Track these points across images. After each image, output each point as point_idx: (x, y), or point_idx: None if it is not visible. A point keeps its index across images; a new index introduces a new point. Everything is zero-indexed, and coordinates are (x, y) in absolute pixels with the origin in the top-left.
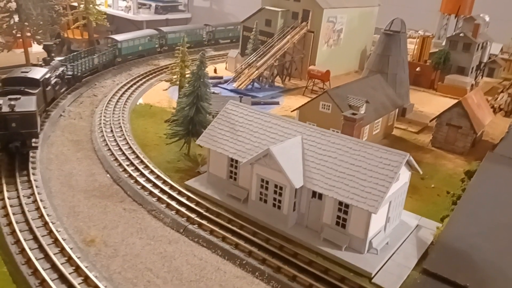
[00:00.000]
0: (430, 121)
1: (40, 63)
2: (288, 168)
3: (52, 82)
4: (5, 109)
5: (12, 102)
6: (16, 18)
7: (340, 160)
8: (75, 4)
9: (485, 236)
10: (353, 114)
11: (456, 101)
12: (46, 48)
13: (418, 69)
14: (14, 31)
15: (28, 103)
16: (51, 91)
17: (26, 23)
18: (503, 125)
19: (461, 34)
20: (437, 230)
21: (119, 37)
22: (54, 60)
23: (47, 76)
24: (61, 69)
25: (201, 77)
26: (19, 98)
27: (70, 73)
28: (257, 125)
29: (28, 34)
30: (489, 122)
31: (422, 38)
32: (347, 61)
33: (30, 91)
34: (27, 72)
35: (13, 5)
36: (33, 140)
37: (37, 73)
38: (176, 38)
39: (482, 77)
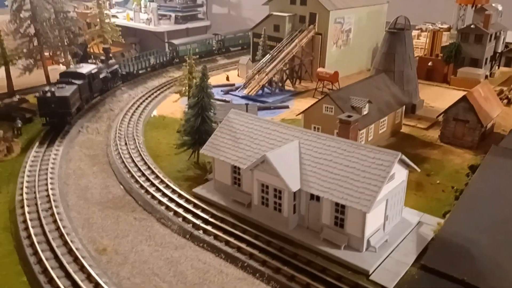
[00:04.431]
0: (437, 117)
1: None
2: (285, 173)
3: (101, 76)
4: (48, 94)
5: (54, 89)
6: (35, 41)
7: (335, 162)
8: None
9: (484, 230)
10: (348, 116)
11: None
12: (105, 50)
13: (430, 63)
14: (34, 55)
15: (67, 90)
16: (99, 84)
17: (44, 46)
18: None
19: (472, 26)
20: (437, 226)
21: (176, 41)
22: (111, 59)
23: (94, 71)
24: (115, 66)
25: (204, 88)
26: (64, 87)
27: (126, 70)
28: (257, 132)
29: (48, 56)
30: (498, 114)
31: (433, 32)
32: (359, 60)
33: (75, 82)
34: (78, 68)
35: (31, 30)
36: (68, 118)
37: (85, 69)
38: (232, 40)
39: (498, 68)
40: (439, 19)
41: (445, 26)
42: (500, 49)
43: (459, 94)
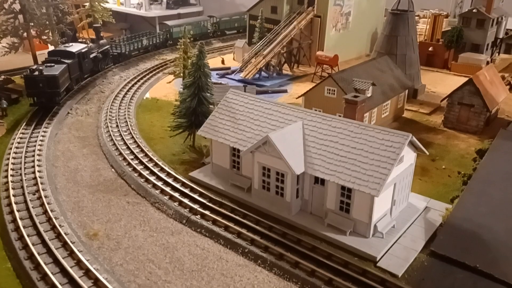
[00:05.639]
0: (441, 101)
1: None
2: (288, 155)
3: (91, 56)
4: (36, 72)
5: (42, 68)
6: (21, 19)
7: (342, 144)
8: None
9: (495, 215)
10: (355, 96)
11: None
12: (95, 29)
13: (430, 48)
14: (20, 32)
15: (55, 69)
16: (90, 64)
17: (31, 23)
18: None
19: (474, 10)
20: (446, 212)
21: (170, 22)
22: (102, 39)
23: (83, 50)
24: (106, 47)
25: (201, 67)
26: (53, 66)
27: (117, 51)
28: (257, 113)
29: (34, 34)
30: (503, 99)
31: (434, 17)
32: (358, 44)
33: (64, 61)
34: (67, 46)
35: (17, 6)
36: (56, 98)
37: (75, 47)
38: (227, 23)
39: (498, 54)
40: (436, 6)
41: (444, 13)
42: (501, 34)
43: (460, 80)
